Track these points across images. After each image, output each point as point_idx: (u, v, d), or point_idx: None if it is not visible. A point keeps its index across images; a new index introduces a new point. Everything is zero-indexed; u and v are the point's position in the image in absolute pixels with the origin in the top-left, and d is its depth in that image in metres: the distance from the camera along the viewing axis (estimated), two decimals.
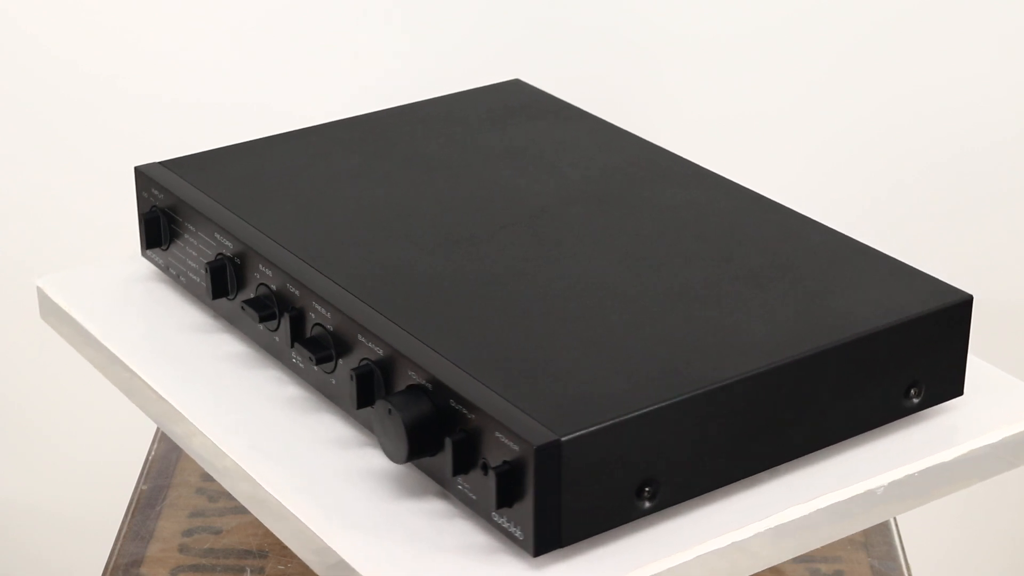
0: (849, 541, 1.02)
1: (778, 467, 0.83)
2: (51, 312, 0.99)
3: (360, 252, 0.89)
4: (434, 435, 0.78)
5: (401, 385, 0.81)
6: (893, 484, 0.83)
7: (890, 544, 1.02)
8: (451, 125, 1.04)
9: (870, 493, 0.82)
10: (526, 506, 0.75)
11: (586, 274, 0.87)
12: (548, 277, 0.87)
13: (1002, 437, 0.86)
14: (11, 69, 1.40)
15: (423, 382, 0.79)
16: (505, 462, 0.75)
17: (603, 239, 0.90)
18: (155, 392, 0.89)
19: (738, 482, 0.81)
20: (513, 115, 1.05)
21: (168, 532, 0.99)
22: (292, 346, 0.87)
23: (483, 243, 0.90)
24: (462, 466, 0.78)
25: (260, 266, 0.89)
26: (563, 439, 0.74)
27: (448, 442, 0.77)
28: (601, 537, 0.78)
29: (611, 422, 0.75)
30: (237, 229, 0.92)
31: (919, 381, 0.85)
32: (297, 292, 0.87)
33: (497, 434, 0.75)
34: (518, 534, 0.76)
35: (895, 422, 0.86)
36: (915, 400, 0.85)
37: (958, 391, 0.87)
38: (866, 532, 1.02)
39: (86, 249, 1.46)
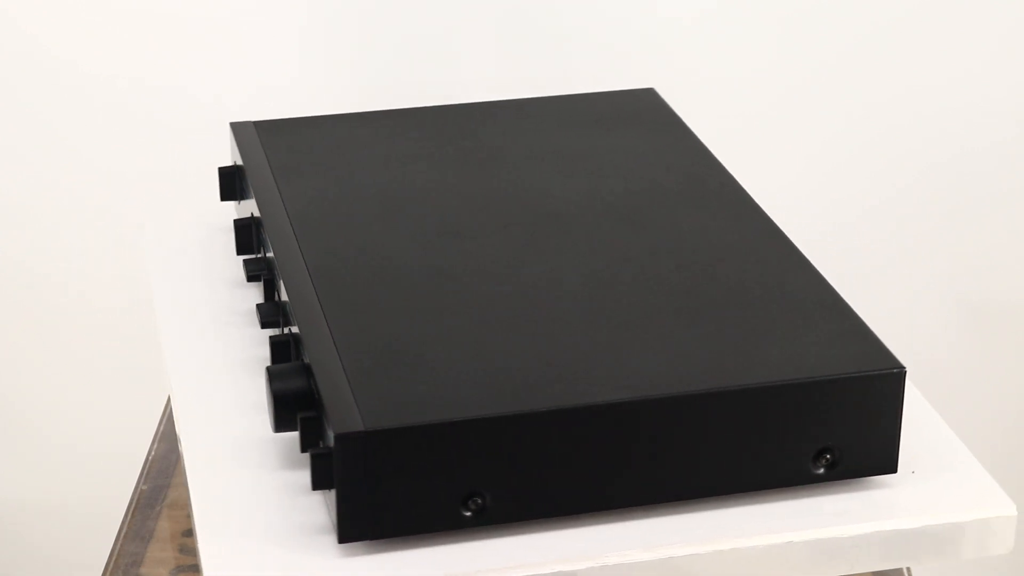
0: None
1: (644, 508, 0.79)
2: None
3: (349, 233, 0.91)
4: (297, 410, 0.80)
5: (294, 360, 0.83)
6: (737, 551, 0.78)
7: None
8: (542, 123, 1.04)
9: (716, 554, 0.78)
10: (334, 492, 0.75)
11: (539, 282, 0.86)
12: (502, 279, 0.86)
13: (899, 527, 0.79)
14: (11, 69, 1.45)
15: (305, 360, 0.81)
16: (322, 445, 0.76)
17: (586, 251, 0.89)
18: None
19: (594, 514, 0.79)
20: (611, 122, 1.04)
21: (168, 532, 0.99)
22: (257, 308, 0.91)
23: (470, 240, 0.90)
24: (308, 444, 0.79)
25: (262, 231, 0.93)
26: (369, 431, 0.74)
27: (298, 418, 0.79)
28: (423, 539, 0.78)
29: (433, 423, 0.75)
30: (264, 193, 0.95)
31: (832, 448, 0.79)
32: (273, 259, 0.90)
33: (323, 417, 0.76)
34: (332, 518, 0.77)
35: (803, 488, 0.81)
36: (824, 468, 0.80)
37: (888, 467, 0.81)
38: None
39: (85, 250, 1.49)
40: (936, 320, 1.54)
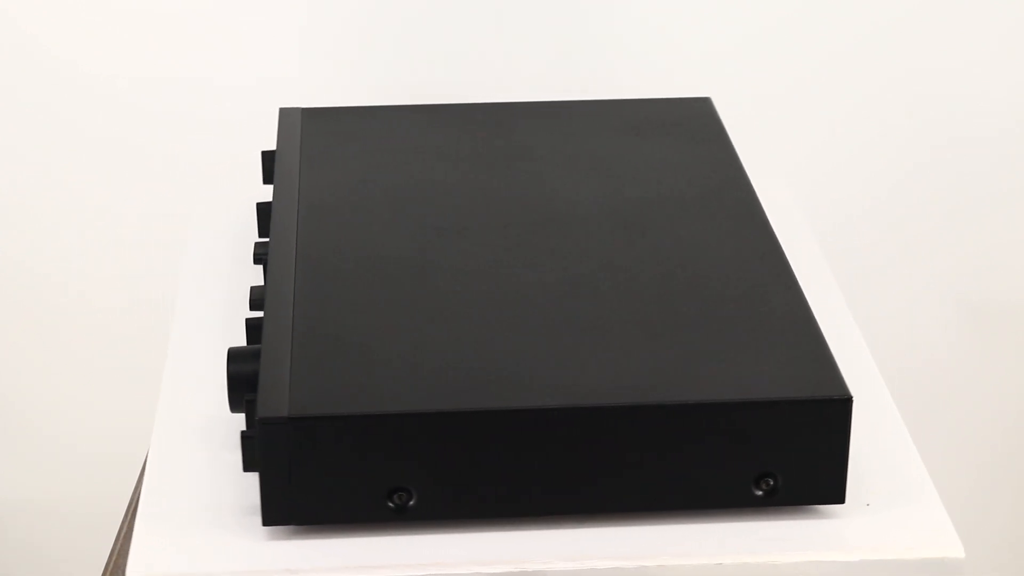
0: None
1: (575, 518, 0.79)
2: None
3: (349, 223, 0.92)
4: (247, 392, 0.81)
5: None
6: (664, 569, 0.77)
7: None
8: (581, 126, 1.03)
9: (640, 570, 0.77)
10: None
11: (517, 284, 0.86)
12: (481, 279, 0.86)
13: (835, 559, 0.77)
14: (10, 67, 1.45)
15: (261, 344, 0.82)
16: (252, 427, 0.77)
17: (575, 256, 0.88)
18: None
19: (522, 520, 0.78)
20: (652, 129, 1.03)
21: None
22: (251, 290, 0.92)
23: (465, 237, 0.90)
24: (250, 426, 0.80)
25: (271, 215, 0.94)
26: (292, 417, 0.75)
27: (244, 400, 0.80)
28: (348, 529, 0.78)
29: (357, 414, 0.76)
30: (284, 178, 0.97)
31: (774, 473, 0.78)
32: (267, 244, 0.91)
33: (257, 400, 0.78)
34: (260, 499, 0.78)
35: (747, 511, 0.79)
36: (766, 493, 0.78)
37: (834, 498, 0.78)
38: None
39: (85, 250, 1.49)
40: (936, 320, 1.53)
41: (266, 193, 1.07)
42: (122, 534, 1.00)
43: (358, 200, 0.94)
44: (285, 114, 1.05)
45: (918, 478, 0.82)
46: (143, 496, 0.81)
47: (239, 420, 0.85)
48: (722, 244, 0.90)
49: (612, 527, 0.78)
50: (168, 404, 0.88)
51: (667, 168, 0.98)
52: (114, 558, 0.99)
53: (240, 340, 0.92)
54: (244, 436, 0.77)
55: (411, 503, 0.77)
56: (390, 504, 0.77)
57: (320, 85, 1.45)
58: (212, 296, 0.97)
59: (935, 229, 1.46)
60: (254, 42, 1.46)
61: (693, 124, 1.04)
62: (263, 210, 0.98)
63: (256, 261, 0.94)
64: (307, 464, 0.76)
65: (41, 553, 1.61)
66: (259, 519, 0.78)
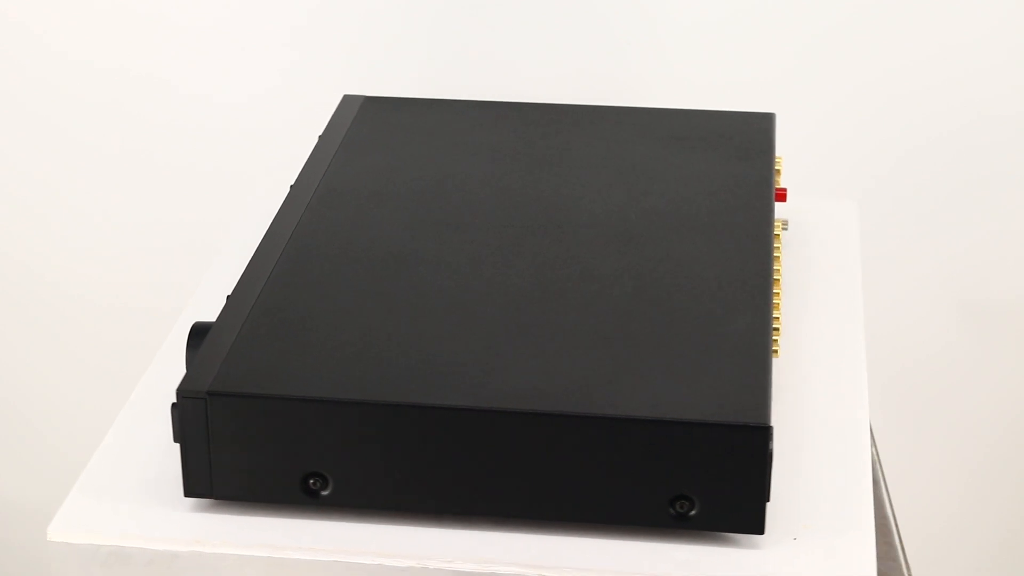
0: None
1: (489, 519, 0.78)
2: None
3: (354, 213, 0.93)
4: None
5: None
6: None
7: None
8: (630, 133, 1.02)
9: None
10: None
11: (488, 284, 0.86)
12: (456, 276, 0.87)
13: None
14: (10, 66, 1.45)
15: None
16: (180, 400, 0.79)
17: (559, 262, 0.88)
18: None
19: (435, 517, 0.79)
20: (698, 141, 1.01)
21: None
22: None
23: (460, 235, 0.90)
24: None
25: (286, 197, 0.96)
26: (210, 392, 0.77)
27: None
28: (266, 508, 0.79)
29: (273, 395, 0.77)
30: (313, 164, 0.99)
31: (690, 497, 0.76)
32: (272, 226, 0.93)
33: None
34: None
35: (668, 532, 0.78)
36: (681, 515, 0.76)
37: (752, 527, 0.76)
38: None
39: (91, 252, 1.48)
40: (936, 320, 1.50)
41: None
42: None
43: (374, 189, 0.95)
44: (347, 101, 1.07)
45: (861, 515, 0.79)
46: (88, 465, 0.83)
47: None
48: (709, 262, 0.88)
49: (522, 533, 0.78)
50: (147, 381, 0.90)
51: (691, 181, 0.96)
52: None
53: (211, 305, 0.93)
54: (171, 407, 0.79)
55: (326, 490, 0.78)
56: (305, 488, 0.78)
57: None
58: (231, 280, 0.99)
59: (935, 228, 1.46)
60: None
61: (742, 139, 1.02)
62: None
63: None
64: (225, 441, 0.78)
65: (41, 554, 1.63)
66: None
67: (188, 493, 0.79)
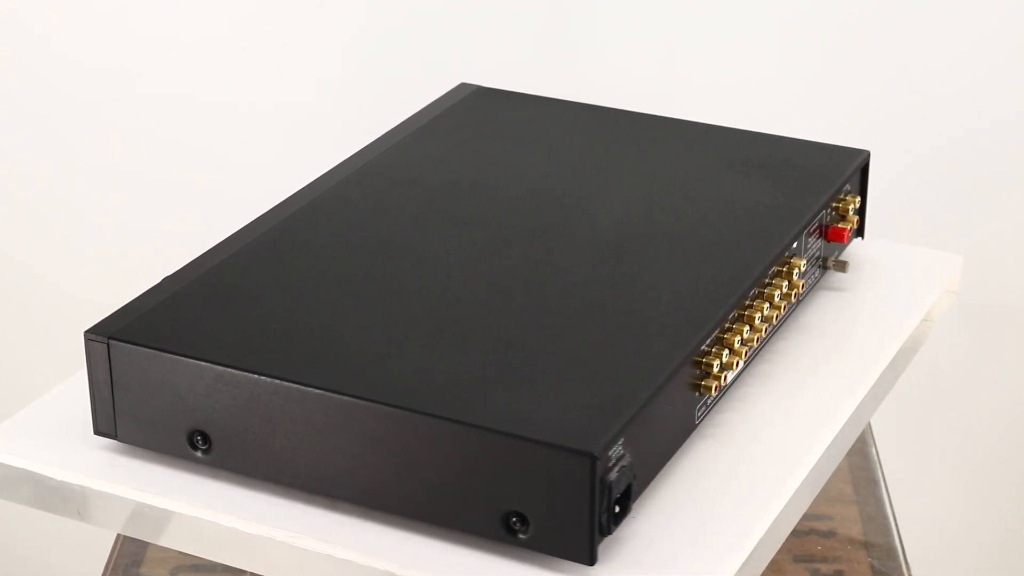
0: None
1: (354, 505, 0.80)
2: None
3: (377, 198, 0.95)
4: None
5: None
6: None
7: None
8: (699, 152, 1.00)
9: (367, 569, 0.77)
10: None
11: (454, 283, 0.86)
12: (426, 270, 0.88)
13: None
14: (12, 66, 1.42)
15: None
16: None
17: (541, 269, 0.88)
18: None
19: (306, 494, 0.81)
20: (766, 168, 0.98)
21: None
22: None
23: (457, 233, 0.91)
24: None
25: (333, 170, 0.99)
26: (110, 337, 0.81)
27: None
28: (164, 460, 0.83)
29: (168, 351, 0.80)
30: (375, 145, 1.01)
31: (523, 516, 0.75)
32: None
33: None
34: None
35: (511, 548, 0.77)
36: (512, 531, 0.75)
37: (580, 556, 0.75)
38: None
39: (91, 252, 1.46)
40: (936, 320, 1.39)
41: None
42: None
43: (413, 175, 0.97)
44: (457, 89, 1.09)
45: (735, 556, 0.76)
46: (33, 403, 0.89)
47: None
48: (673, 286, 0.86)
49: (377, 524, 0.79)
50: None
51: (721, 205, 0.94)
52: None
53: None
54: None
55: (208, 449, 0.81)
56: (193, 444, 0.81)
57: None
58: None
59: (935, 228, 1.46)
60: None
61: (812, 171, 0.98)
62: None
63: None
64: (125, 387, 0.82)
65: (41, 554, 1.64)
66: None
67: (96, 431, 0.84)
